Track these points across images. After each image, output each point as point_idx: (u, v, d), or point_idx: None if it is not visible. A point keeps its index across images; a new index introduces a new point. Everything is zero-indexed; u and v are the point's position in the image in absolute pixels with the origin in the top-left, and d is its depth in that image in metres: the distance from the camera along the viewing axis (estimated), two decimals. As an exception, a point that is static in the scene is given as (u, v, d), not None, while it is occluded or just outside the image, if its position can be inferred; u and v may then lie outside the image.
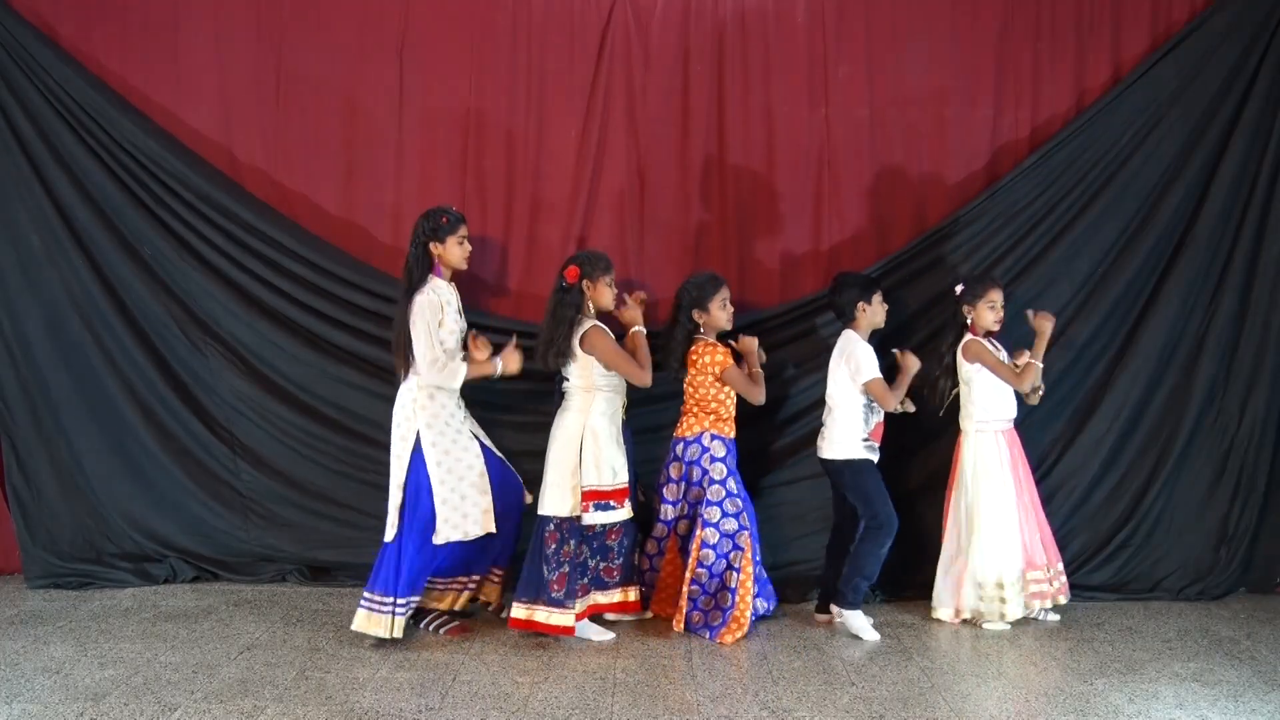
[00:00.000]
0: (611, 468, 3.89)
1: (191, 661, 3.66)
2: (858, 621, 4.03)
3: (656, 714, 3.26)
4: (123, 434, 4.58)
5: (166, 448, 4.60)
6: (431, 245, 3.96)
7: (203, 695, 3.35)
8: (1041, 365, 4.12)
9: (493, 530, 3.95)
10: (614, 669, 3.66)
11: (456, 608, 4.08)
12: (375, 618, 3.82)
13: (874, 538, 4.04)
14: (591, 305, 4.00)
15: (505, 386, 4.41)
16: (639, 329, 4.04)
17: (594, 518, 3.87)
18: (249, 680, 3.49)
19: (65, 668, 3.59)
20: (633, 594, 4.11)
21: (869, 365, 4.03)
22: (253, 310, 4.55)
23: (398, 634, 3.81)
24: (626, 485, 3.93)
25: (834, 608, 4.10)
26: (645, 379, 3.94)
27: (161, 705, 3.27)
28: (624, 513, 3.91)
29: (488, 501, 3.95)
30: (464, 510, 3.91)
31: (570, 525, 3.89)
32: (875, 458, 4.10)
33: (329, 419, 4.56)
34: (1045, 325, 4.13)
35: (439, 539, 3.86)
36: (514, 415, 4.46)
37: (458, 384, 3.92)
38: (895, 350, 4.18)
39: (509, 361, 4.03)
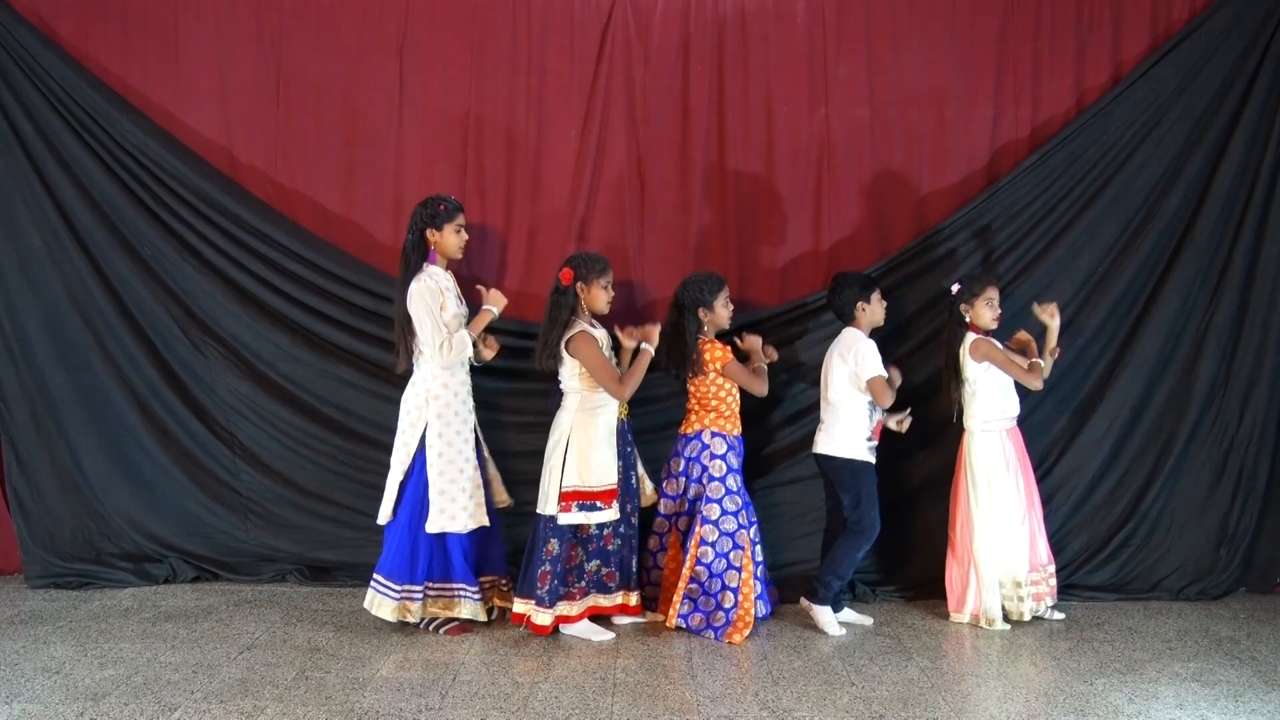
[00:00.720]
0: (598, 468, 3.90)
1: (191, 661, 3.65)
2: (825, 617, 4.06)
3: (656, 714, 3.26)
4: (122, 434, 4.58)
5: (166, 448, 4.60)
6: (428, 232, 3.98)
7: (203, 695, 3.35)
8: (1053, 359, 4.14)
9: (485, 523, 3.99)
10: (614, 669, 3.66)
11: (464, 615, 4.03)
12: (378, 599, 3.93)
13: (854, 540, 4.08)
14: (586, 308, 4.01)
15: (506, 386, 4.43)
16: (648, 347, 4.03)
17: (572, 518, 3.88)
18: (249, 680, 3.49)
19: (65, 668, 3.59)
20: (633, 598, 4.09)
21: (873, 363, 4.03)
22: (253, 310, 4.55)
23: (408, 618, 3.93)
24: (614, 487, 3.92)
25: (804, 600, 4.14)
26: (621, 394, 3.94)
27: (161, 705, 3.27)
28: (609, 514, 3.91)
29: (481, 496, 3.99)
30: (461, 503, 3.94)
31: (556, 525, 3.91)
32: (873, 459, 4.10)
33: (329, 419, 4.56)
34: (1052, 321, 4.13)
35: (431, 528, 3.90)
36: (514, 415, 4.47)
37: (469, 350, 3.94)
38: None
39: (494, 298, 4.05)
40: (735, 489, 4.04)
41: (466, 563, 3.99)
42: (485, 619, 4.05)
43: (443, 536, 3.95)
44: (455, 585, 4.01)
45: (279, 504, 4.61)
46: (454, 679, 3.53)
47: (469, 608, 4.00)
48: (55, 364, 4.54)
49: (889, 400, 4.04)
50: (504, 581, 4.19)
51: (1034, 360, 4.14)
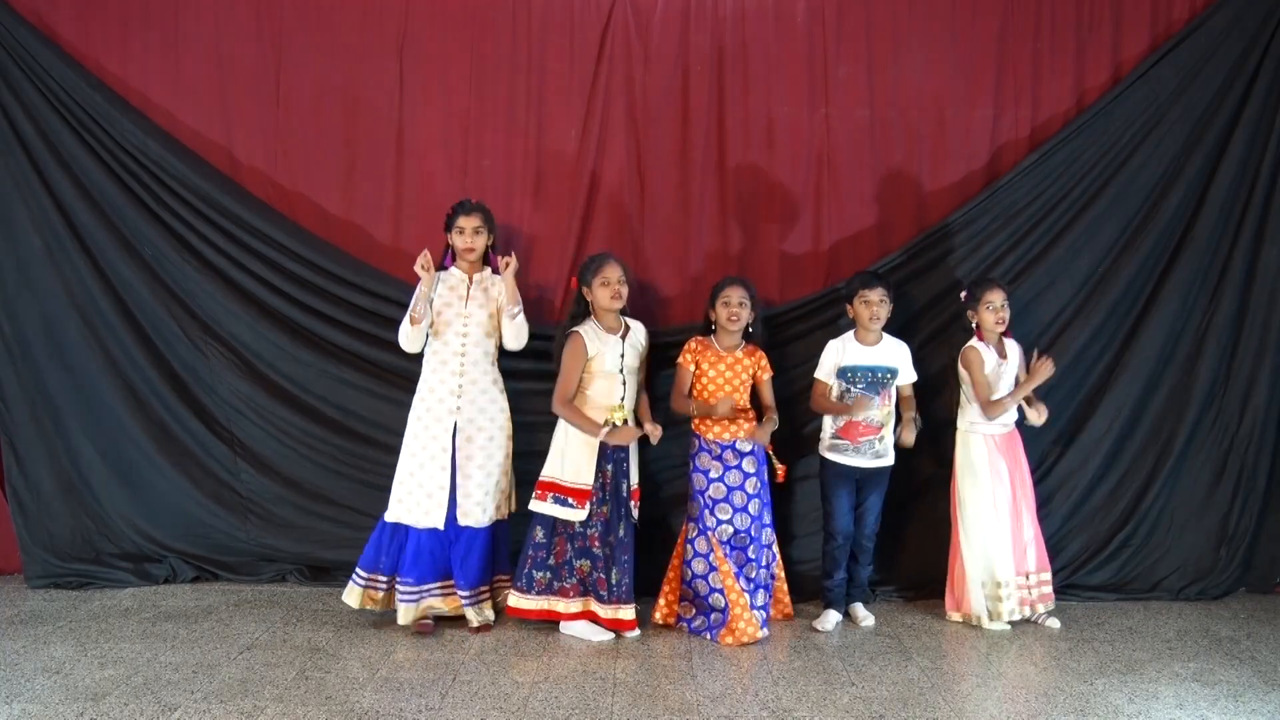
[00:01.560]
0: (576, 465, 3.94)
1: (191, 661, 3.65)
2: (821, 616, 4.15)
3: (656, 714, 3.26)
4: (122, 434, 4.57)
5: (166, 448, 4.59)
6: (448, 237, 4.12)
7: (203, 695, 3.35)
8: (1018, 402, 4.16)
9: (438, 526, 3.95)
10: (614, 669, 3.66)
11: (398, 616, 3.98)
12: (349, 588, 4.04)
13: (824, 539, 4.22)
14: (599, 308, 4.04)
15: (509, 387, 4.42)
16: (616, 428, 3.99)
17: (545, 508, 3.96)
18: (249, 680, 3.49)
19: (65, 668, 3.58)
20: (627, 611, 3.99)
21: (818, 365, 4.17)
22: (253, 310, 4.55)
23: (354, 604, 4.01)
24: (587, 487, 3.94)
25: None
26: (553, 404, 3.99)
27: (161, 705, 3.27)
28: (576, 513, 3.92)
29: (442, 498, 3.96)
30: (417, 497, 3.96)
31: (542, 515, 3.98)
32: (850, 460, 4.10)
33: (329, 419, 4.56)
34: (1042, 371, 4.10)
35: (388, 515, 3.99)
36: (514, 415, 4.45)
37: (404, 344, 4.01)
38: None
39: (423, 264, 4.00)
40: (702, 488, 4.04)
41: (416, 561, 3.95)
42: (407, 622, 3.95)
43: (404, 531, 3.97)
44: (387, 578, 4.02)
45: (279, 504, 4.60)
46: (454, 679, 3.53)
47: (403, 610, 3.94)
48: (55, 364, 4.53)
49: (814, 404, 4.17)
50: (484, 591, 4.09)
51: (1000, 398, 4.11)
